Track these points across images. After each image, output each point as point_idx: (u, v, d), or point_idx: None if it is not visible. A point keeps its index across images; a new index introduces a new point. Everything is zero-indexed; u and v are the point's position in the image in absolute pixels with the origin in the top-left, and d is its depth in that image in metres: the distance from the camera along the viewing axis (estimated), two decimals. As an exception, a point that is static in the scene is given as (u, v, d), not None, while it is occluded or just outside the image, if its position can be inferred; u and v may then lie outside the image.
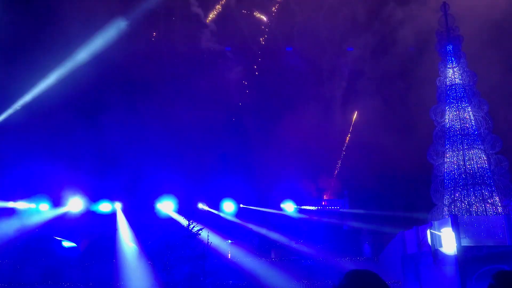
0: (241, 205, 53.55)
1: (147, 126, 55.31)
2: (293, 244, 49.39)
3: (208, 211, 52.25)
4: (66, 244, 46.42)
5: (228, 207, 52.84)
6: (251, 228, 51.35)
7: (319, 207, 55.63)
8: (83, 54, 49.46)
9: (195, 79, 59.92)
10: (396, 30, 59.58)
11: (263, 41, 63.09)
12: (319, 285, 44.07)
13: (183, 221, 43.03)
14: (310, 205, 55.78)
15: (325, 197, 58.24)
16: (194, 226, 40.56)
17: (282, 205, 54.61)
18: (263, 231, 51.70)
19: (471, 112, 44.55)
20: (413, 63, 58.07)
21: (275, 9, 63.33)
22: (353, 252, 49.15)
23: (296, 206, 54.59)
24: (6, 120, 48.80)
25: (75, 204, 49.28)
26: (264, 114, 60.84)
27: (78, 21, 49.86)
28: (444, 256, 37.79)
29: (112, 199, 50.42)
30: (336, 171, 55.51)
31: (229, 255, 48.80)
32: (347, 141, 59.87)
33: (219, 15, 62.67)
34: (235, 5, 63.14)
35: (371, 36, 61.40)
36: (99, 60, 49.94)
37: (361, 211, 53.52)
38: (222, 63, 62.16)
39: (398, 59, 59.98)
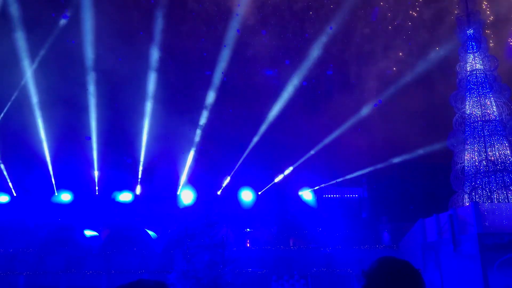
0: (259, 193, 53.63)
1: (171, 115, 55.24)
2: None
3: (227, 199, 52.45)
4: (88, 233, 47.16)
5: (247, 196, 52.93)
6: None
7: (337, 195, 55.42)
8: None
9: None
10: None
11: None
12: (338, 273, 44.07)
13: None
14: (328, 193, 55.62)
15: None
16: None
17: (300, 193, 54.51)
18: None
19: (492, 98, 43.75)
20: (433, 49, 57.06)
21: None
22: (372, 240, 48.88)
23: (314, 194, 54.46)
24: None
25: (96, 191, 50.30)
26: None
27: None
28: (465, 244, 37.46)
29: (133, 188, 51.10)
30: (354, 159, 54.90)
31: (248, 243, 49.09)
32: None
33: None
34: None
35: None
36: None
37: (380, 199, 53.19)
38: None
39: (417, 45, 59.11)
